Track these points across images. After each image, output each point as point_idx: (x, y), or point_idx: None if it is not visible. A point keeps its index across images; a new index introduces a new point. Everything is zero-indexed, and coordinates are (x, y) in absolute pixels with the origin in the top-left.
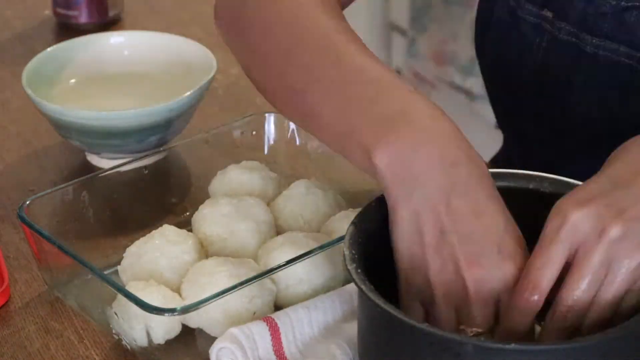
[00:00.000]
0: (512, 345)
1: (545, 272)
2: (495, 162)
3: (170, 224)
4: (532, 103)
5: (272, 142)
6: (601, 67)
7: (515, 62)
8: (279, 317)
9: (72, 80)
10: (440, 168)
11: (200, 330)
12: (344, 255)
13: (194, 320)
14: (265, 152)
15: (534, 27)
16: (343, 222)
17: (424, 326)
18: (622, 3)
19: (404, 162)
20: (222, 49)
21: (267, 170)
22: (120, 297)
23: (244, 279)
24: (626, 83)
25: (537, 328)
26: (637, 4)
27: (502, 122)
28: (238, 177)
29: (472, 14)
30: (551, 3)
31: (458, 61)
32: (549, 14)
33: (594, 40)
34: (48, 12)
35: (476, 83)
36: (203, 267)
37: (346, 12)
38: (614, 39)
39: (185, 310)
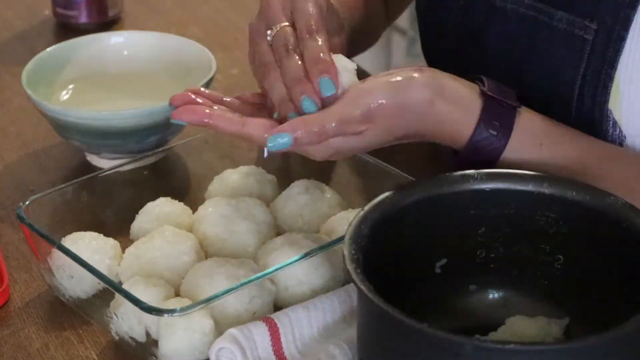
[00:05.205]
0: (512, 346)
1: None
2: None
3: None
4: (455, 63)
5: None
6: (509, 20)
7: (441, 22)
8: (279, 317)
9: (72, 80)
10: None
11: None
12: (344, 255)
13: None
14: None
15: None
16: (343, 223)
17: (424, 326)
18: None
19: None
20: (222, 49)
21: (264, 173)
22: (119, 297)
23: (243, 279)
24: (530, 35)
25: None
26: None
27: None
28: (235, 181)
29: None
30: None
31: None
32: None
33: None
34: (48, 12)
35: None
36: (202, 267)
37: None
38: None
39: (185, 310)
